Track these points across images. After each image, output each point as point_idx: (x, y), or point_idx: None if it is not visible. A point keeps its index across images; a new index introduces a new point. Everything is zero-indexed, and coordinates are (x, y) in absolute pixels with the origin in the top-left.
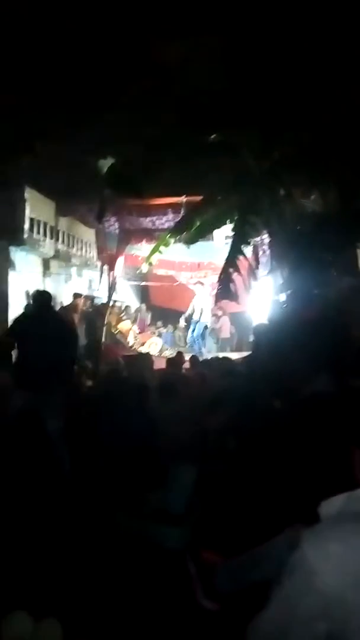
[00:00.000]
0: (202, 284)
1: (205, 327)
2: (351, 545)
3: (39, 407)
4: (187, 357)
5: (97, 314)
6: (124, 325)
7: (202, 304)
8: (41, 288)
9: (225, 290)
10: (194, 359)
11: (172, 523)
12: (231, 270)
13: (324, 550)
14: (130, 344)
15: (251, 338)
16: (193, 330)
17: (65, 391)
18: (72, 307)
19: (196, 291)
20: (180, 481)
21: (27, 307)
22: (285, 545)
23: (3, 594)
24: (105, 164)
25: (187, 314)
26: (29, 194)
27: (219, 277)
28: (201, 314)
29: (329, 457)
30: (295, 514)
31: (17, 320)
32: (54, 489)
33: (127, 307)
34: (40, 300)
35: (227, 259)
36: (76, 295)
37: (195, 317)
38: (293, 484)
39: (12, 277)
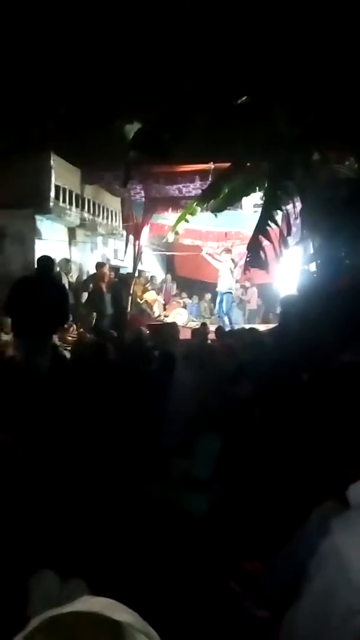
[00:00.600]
0: (229, 251)
1: (231, 298)
2: None
3: (34, 351)
4: (212, 328)
5: (122, 283)
6: (150, 295)
7: (228, 273)
8: (67, 256)
9: (255, 258)
10: (219, 329)
11: (198, 490)
12: (261, 237)
13: (356, 541)
14: (155, 315)
15: (278, 309)
16: (221, 302)
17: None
18: (99, 276)
19: (222, 260)
20: (206, 449)
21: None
22: (315, 527)
23: (32, 554)
24: (132, 129)
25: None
26: (55, 161)
27: (249, 245)
28: (227, 282)
29: (356, 428)
30: (323, 489)
31: (19, 282)
32: (81, 451)
33: (152, 277)
34: (42, 265)
35: (258, 226)
36: (99, 265)
37: (221, 288)
38: (320, 456)
39: (39, 245)
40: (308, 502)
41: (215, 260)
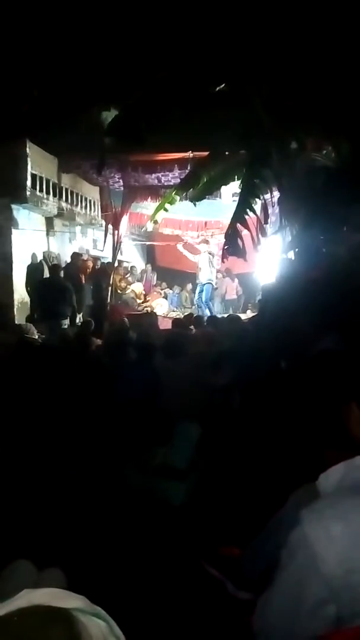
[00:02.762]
0: (207, 242)
1: (212, 288)
2: (354, 525)
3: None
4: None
5: (102, 274)
6: (137, 287)
7: (207, 264)
8: (45, 247)
9: (233, 246)
10: (198, 318)
11: (176, 478)
12: (239, 226)
13: (326, 532)
14: (136, 305)
15: (258, 299)
16: (200, 292)
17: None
18: (78, 266)
19: (201, 250)
20: (185, 437)
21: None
22: (292, 512)
23: (8, 544)
24: (109, 115)
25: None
26: (31, 149)
27: (226, 233)
28: (206, 272)
29: (332, 414)
30: (301, 474)
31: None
32: (60, 439)
33: (133, 267)
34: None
35: (235, 214)
36: (76, 255)
37: (201, 279)
38: (298, 441)
39: (15, 236)
40: (286, 487)
41: (191, 254)
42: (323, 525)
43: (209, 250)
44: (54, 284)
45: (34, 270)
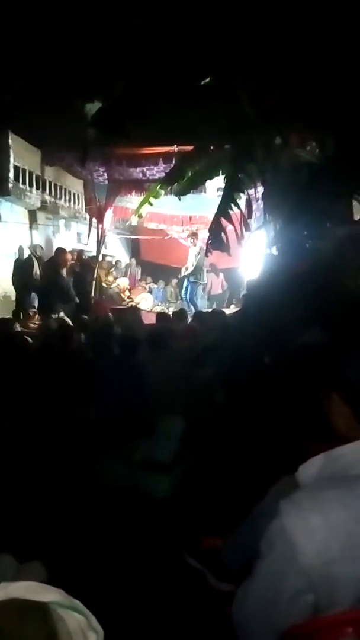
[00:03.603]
0: (195, 236)
1: (195, 283)
2: (332, 516)
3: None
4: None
5: (86, 268)
6: (122, 281)
7: (193, 258)
8: (28, 241)
9: (217, 241)
10: (182, 313)
11: (160, 471)
12: (223, 220)
13: (304, 524)
14: (121, 300)
15: (242, 294)
16: (187, 287)
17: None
18: (60, 261)
19: (189, 245)
20: (168, 431)
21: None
22: (273, 503)
23: None
24: (93, 107)
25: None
26: (13, 140)
27: (210, 228)
28: (193, 269)
29: (313, 405)
30: (282, 465)
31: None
32: (41, 435)
33: (117, 261)
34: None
35: (219, 208)
36: (60, 250)
37: (187, 272)
38: (280, 433)
39: None
40: (269, 478)
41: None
42: (302, 516)
43: (196, 243)
44: (54, 278)
45: (22, 264)
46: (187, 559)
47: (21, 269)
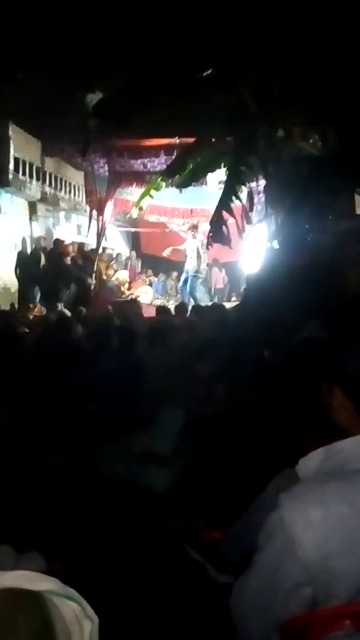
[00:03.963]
0: (196, 229)
1: (195, 276)
2: (332, 510)
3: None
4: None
5: (86, 260)
6: (122, 274)
7: (194, 252)
8: (28, 232)
9: (218, 233)
10: (183, 306)
11: (159, 464)
12: (224, 213)
13: (303, 517)
14: (121, 292)
15: (243, 287)
16: (185, 280)
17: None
18: (61, 251)
19: (188, 238)
20: (167, 424)
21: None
22: (273, 496)
23: None
24: (94, 98)
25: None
26: (14, 131)
27: (211, 221)
28: (194, 262)
29: (314, 400)
30: (282, 458)
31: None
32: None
33: (118, 254)
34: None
35: (221, 201)
36: (58, 242)
37: (186, 266)
38: (280, 426)
39: None
40: (269, 472)
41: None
42: (301, 509)
43: (197, 236)
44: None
45: (29, 257)
46: (188, 550)
47: (27, 261)
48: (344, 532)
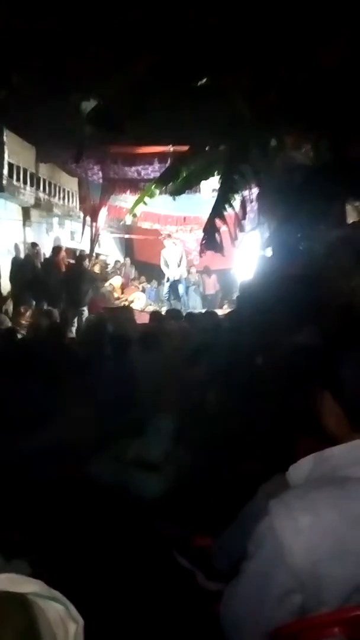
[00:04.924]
0: (170, 237)
1: (177, 281)
2: (322, 516)
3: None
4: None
5: (81, 267)
6: (116, 280)
7: (176, 257)
8: (22, 238)
9: (211, 241)
10: (175, 312)
11: (150, 471)
12: (217, 220)
13: (293, 523)
14: (114, 299)
15: (236, 295)
16: (170, 287)
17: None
18: (57, 259)
19: (168, 246)
20: (159, 430)
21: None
22: (263, 503)
23: None
24: (89, 105)
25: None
26: (8, 137)
27: (204, 228)
28: (180, 269)
29: (307, 406)
30: (275, 466)
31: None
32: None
33: (116, 261)
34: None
35: (214, 209)
36: (57, 248)
37: (169, 274)
38: (273, 432)
39: None
40: (260, 478)
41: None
42: (291, 516)
43: (177, 243)
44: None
45: (22, 262)
46: (177, 558)
47: (21, 267)
48: (334, 538)
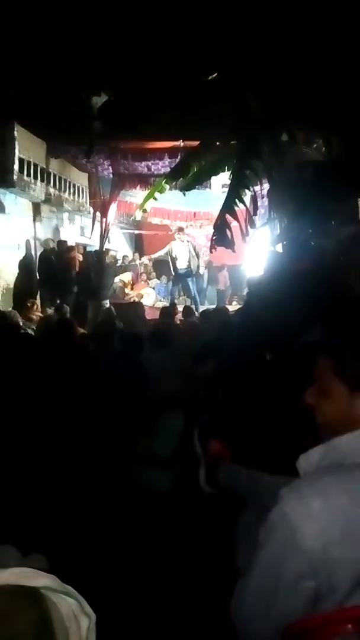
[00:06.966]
0: (182, 231)
1: (186, 277)
2: (332, 501)
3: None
4: (180, 308)
5: (95, 263)
6: (126, 276)
7: (184, 251)
8: (32, 233)
9: (221, 237)
10: (187, 309)
11: (160, 466)
12: (228, 216)
13: (305, 508)
14: (124, 294)
15: (245, 291)
16: (181, 282)
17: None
18: (72, 256)
19: (176, 240)
20: (168, 427)
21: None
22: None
23: None
24: (100, 101)
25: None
26: (19, 132)
27: (215, 224)
28: (191, 263)
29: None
30: (282, 465)
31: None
32: (43, 430)
33: (124, 256)
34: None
35: (225, 205)
36: (61, 243)
37: (179, 267)
38: (281, 432)
39: (1, 220)
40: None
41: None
42: (302, 502)
43: (187, 238)
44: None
45: (42, 259)
46: (196, 442)
47: (45, 262)
48: (344, 522)
